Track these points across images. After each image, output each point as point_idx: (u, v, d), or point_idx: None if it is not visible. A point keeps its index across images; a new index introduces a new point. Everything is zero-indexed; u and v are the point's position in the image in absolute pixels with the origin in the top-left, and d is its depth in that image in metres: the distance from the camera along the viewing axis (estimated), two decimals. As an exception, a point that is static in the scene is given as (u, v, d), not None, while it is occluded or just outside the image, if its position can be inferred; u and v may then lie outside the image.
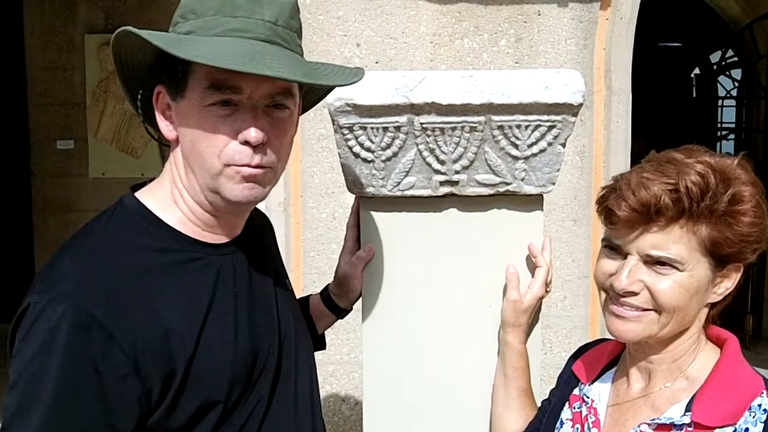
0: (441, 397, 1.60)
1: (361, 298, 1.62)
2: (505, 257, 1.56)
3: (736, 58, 8.64)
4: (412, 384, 1.60)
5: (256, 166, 1.20)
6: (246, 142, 1.18)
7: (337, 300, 1.66)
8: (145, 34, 1.13)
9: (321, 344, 1.73)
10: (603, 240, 1.28)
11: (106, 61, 5.82)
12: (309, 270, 2.85)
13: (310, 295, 1.72)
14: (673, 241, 1.18)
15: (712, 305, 1.26)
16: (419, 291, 1.59)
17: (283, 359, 1.36)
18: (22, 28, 5.96)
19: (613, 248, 1.25)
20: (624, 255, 1.22)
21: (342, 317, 1.70)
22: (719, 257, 1.20)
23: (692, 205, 1.16)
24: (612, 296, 1.25)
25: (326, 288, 1.70)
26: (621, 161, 2.96)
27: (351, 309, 1.69)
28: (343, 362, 2.86)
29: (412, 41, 2.80)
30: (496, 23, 2.77)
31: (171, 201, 1.26)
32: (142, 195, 1.27)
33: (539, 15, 2.77)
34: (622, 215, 1.19)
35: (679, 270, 1.18)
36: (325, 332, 1.75)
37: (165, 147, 1.31)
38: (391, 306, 1.59)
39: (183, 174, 1.25)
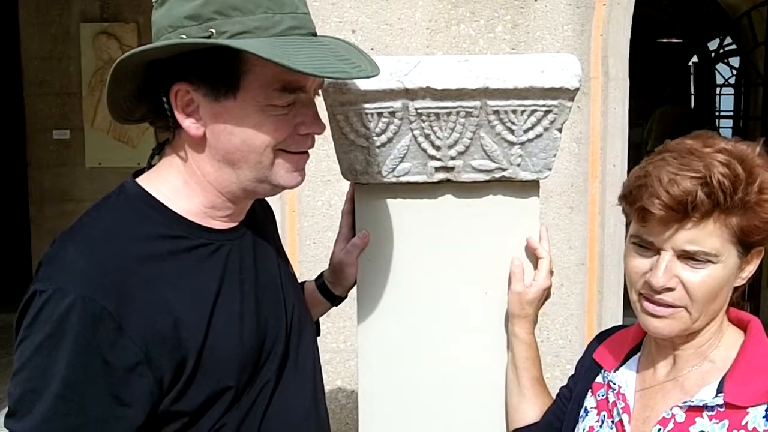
0: (436, 384, 1.59)
1: (356, 286, 1.62)
2: (501, 243, 1.55)
3: (734, 46, 8.62)
4: (408, 371, 1.59)
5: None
6: (306, 134, 1.23)
7: (332, 287, 1.66)
8: (234, 44, 1.10)
9: (316, 331, 1.72)
10: (632, 237, 1.27)
11: (101, 51, 5.80)
12: (305, 258, 2.84)
13: (305, 281, 1.71)
14: (707, 235, 1.18)
15: (734, 288, 1.27)
16: (414, 278, 1.57)
17: (290, 342, 1.36)
18: (18, 18, 5.93)
19: (643, 245, 1.24)
20: (656, 251, 1.22)
21: (337, 305, 1.69)
22: (747, 244, 1.21)
23: (726, 199, 1.16)
24: (646, 294, 1.24)
25: (321, 275, 1.69)
26: (618, 148, 2.94)
27: (346, 296, 1.68)
28: (339, 350, 2.85)
29: (408, 27, 2.78)
30: (492, 9, 2.75)
31: (181, 194, 1.23)
32: (144, 182, 1.24)
33: (536, 1, 2.75)
34: (657, 214, 1.18)
35: (713, 263, 1.19)
36: (322, 321, 1.74)
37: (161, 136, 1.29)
38: (386, 293, 1.58)
39: (211, 170, 1.22)
